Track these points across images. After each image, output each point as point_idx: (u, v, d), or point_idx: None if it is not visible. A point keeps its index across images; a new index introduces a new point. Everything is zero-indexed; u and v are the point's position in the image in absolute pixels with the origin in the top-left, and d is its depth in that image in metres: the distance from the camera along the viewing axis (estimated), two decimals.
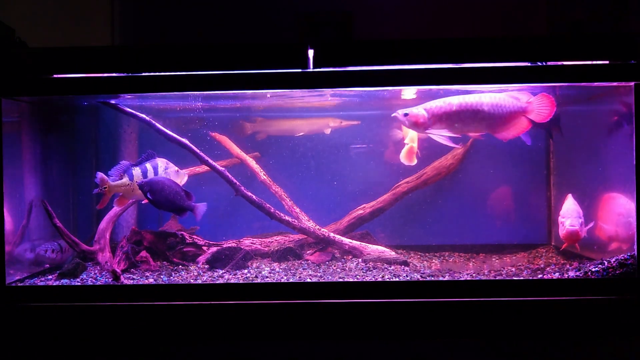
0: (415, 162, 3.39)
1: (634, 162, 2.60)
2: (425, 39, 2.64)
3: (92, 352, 2.60)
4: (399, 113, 3.02)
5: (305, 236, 3.41)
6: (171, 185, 2.99)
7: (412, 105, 3.08)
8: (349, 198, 3.62)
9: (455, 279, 2.79)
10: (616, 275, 2.64)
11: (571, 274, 2.73)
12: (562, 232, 3.00)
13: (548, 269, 2.93)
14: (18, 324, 2.60)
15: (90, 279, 2.90)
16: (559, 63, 2.62)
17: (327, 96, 3.20)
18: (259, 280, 2.84)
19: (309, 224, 3.35)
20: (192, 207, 3.04)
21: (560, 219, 3.04)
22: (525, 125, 2.93)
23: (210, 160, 3.21)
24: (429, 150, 3.60)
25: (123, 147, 3.60)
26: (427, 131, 2.96)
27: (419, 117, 2.94)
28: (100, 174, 2.96)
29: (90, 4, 3.81)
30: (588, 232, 3.00)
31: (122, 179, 3.00)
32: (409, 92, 3.14)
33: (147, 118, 3.10)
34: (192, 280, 2.87)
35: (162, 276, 2.95)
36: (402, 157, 3.37)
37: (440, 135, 2.97)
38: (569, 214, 3.00)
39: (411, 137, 3.37)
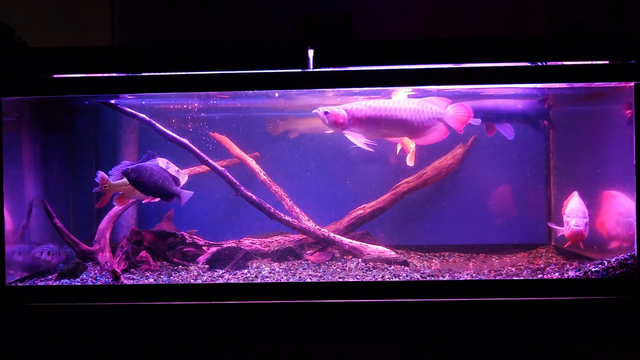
0: (412, 163, 3.40)
1: (634, 162, 2.60)
2: (425, 39, 2.64)
3: (92, 352, 2.60)
4: (320, 110, 3.03)
5: (305, 236, 3.41)
6: (160, 170, 2.98)
7: None
8: (349, 198, 3.62)
9: (455, 279, 2.79)
10: (616, 275, 2.64)
11: (571, 274, 2.73)
12: (566, 231, 2.98)
13: (548, 269, 2.93)
14: (18, 324, 2.60)
15: (90, 279, 2.90)
16: (559, 63, 2.62)
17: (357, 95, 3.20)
18: (259, 280, 2.84)
19: (309, 224, 3.35)
20: (179, 192, 3.03)
21: (565, 218, 3.01)
22: (443, 132, 2.98)
23: (210, 160, 3.21)
24: (429, 150, 3.60)
25: (123, 147, 3.60)
26: (345, 132, 2.96)
27: (339, 116, 2.96)
28: (100, 173, 2.96)
29: (90, 4, 3.80)
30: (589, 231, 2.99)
31: (122, 178, 3.00)
32: (401, 92, 3.15)
33: (147, 118, 3.10)
34: (192, 280, 2.87)
35: (162, 276, 2.95)
36: (408, 159, 3.38)
37: (358, 139, 2.98)
38: (575, 214, 2.98)
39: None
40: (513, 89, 3.04)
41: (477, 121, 3.08)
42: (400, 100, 2.92)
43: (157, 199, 3.08)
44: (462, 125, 2.97)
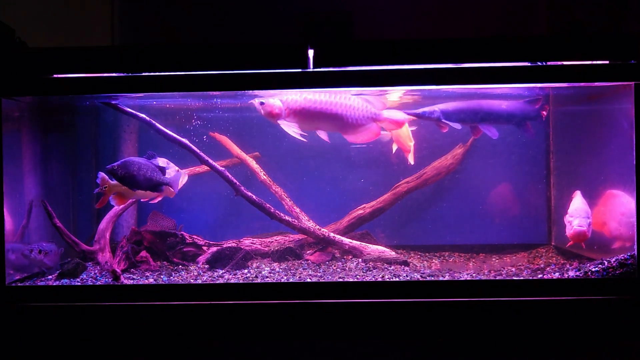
0: (413, 161, 3.40)
1: (634, 162, 2.60)
2: (425, 39, 2.64)
3: (92, 352, 2.60)
4: (256, 101, 3.05)
5: (305, 236, 3.41)
6: (144, 162, 2.97)
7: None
8: (349, 198, 3.62)
9: (455, 279, 2.79)
10: (616, 275, 2.64)
11: (571, 274, 2.73)
12: (569, 231, 2.96)
13: (548, 269, 2.93)
14: (18, 324, 2.60)
15: (90, 279, 2.90)
16: (559, 63, 2.62)
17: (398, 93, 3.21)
18: (259, 280, 2.84)
19: (309, 224, 3.35)
20: (167, 181, 3.03)
21: (567, 218, 3.00)
22: (376, 133, 3.00)
23: (210, 160, 3.21)
24: (429, 150, 3.60)
25: (123, 147, 3.60)
26: (280, 122, 2.99)
27: (274, 107, 2.98)
28: (101, 174, 2.96)
29: (90, 4, 3.80)
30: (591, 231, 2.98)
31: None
32: (395, 93, 3.15)
33: (147, 118, 3.10)
34: (192, 280, 2.87)
35: (162, 276, 2.95)
36: (410, 157, 3.40)
37: (292, 129, 3.00)
38: (577, 213, 2.96)
39: (408, 136, 3.37)
40: (500, 89, 3.04)
41: (457, 125, 3.09)
42: (338, 96, 2.94)
43: (158, 199, 3.07)
44: (395, 128, 3.03)
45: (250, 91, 2.85)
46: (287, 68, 2.63)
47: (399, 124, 3.03)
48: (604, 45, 2.59)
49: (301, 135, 3.05)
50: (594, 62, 2.61)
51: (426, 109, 3.10)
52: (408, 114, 3.13)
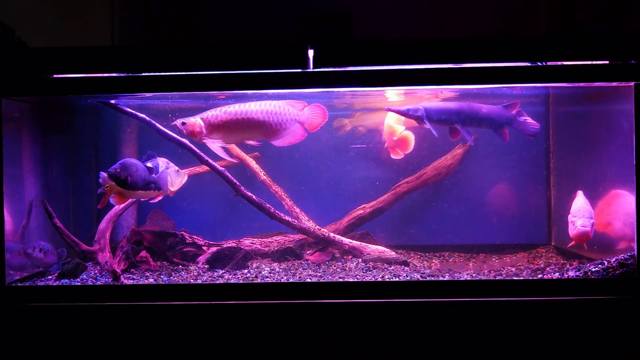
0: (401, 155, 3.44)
1: (634, 162, 2.60)
2: (425, 39, 2.64)
3: (92, 352, 2.60)
4: (178, 122, 3.01)
5: (305, 236, 3.41)
6: (138, 162, 2.97)
7: None
8: (349, 198, 3.62)
9: (455, 279, 2.79)
10: (616, 275, 2.64)
11: (571, 274, 2.73)
12: (572, 231, 2.94)
13: (548, 269, 2.93)
14: (18, 324, 2.60)
15: (90, 279, 2.90)
16: (559, 63, 2.62)
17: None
18: (259, 280, 2.84)
19: (309, 224, 3.35)
20: (155, 179, 3.02)
21: (570, 218, 2.98)
22: (301, 134, 2.99)
23: (210, 160, 3.21)
24: (429, 150, 3.60)
25: (123, 147, 3.60)
26: (204, 141, 2.97)
27: (195, 126, 2.95)
28: (103, 174, 2.95)
29: (90, 4, 3.80)
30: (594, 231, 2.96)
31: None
32: (391, 93, 3.15)
33: (147, 118, 3.10)
34: (192, 280, 2.87)
35: (162, 276, 2.95)
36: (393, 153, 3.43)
37: (216, 145, 3.00)
38: (580, 214, 2.94)
39: (392, 132, 3.40)
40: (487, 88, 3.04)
41: (435, 133, 3.08)
42: (257, 103, 2.93)
43: (158, 199, 3.07)
44: (317, 126, 3.01)
45: (251, 91, 2.84)
46: (287, 68, 2.63)
47: (319, 123, 3.01)
48: (604, 45, 2.59)
49: (223, 149, 3.04)
50: (594, 62, 2.61)
51: (410, 106, 3.08)
52: (392, 110, 3.11)
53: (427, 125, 3.08)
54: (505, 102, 3.14)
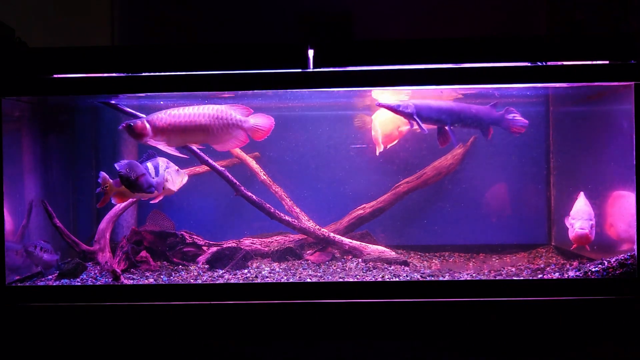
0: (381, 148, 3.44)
1: (634, 162, 2.60)
2: (425, 39, 2.64)
3: (92, 352, 2.60)
4: (124, 124, 2.97)
5: (305, 236, 3.41)
6: (139, 164, 2.96)
7: None
8: (349, 198, 3.62)
9: (455, 279, 2.79)
10: (616, 275, 2.64)
11: (571, 274, 2.73)
12: (571, 234, 2.93)
13: (548, 269, 2.93)
14: (18, 324, 2.60)
15: (90, 279, 2.90)
16: (559, 63, 2.62)
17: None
18: (259, 280, 2.84)
19: (309, 224, 3.35)
20: (160, 180, 3.01)
21: (570, 220, 2.97)
22: (243, 139, 2.98)
23: (210, 160, 3.21)
24: (429, 150, 3.60)
25: (123, 147, 3.60)
26: (150, 142, 2.95)
27: (138, 127, 2.92)
28: (103, 174, 2.96)
29: (90, 4, 3.80)
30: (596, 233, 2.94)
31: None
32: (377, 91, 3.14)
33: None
34: (192, 280, 2.87)
35: (162, 276, 2.95)
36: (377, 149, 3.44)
37: (164, 147, 2.97)
38: (580, 216, 2.93)
39: (376, 128, 3.42)
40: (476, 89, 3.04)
41: (424, 130, 3.06)
42: (202, 107, 2.93)
43: (158, 199, 3.07)
44: (262, 136, 3.00)
45: (251, 91, 2.84)
46: (287, 68, 2.63)
47: (264, 132, 3.00)
48: (604, 45, 2.59)
49: (176, 149, 3.01)
50: (594, 62, 2.61)
51: (401, 102, 3.07)
52: (382, 106, 3.09)
53: (416, 123, 3.06)
54: (499, 101, 3.14)
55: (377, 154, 3.45)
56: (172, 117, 2.91)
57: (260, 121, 2.98)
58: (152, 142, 2.95)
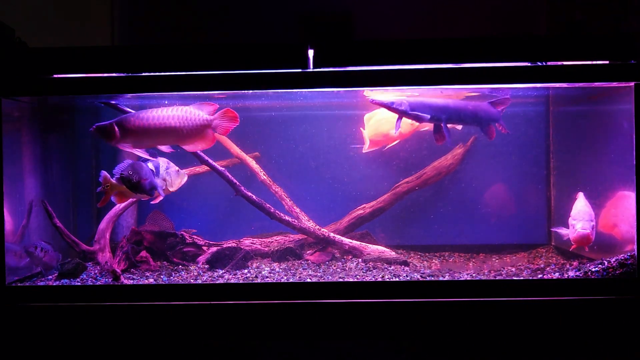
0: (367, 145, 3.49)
1: (634, 162, 2.60)
2: (425, 39, 2.64)
3: (92, 352, 2.60)
4: (94, 127, 2.95)
5: (305, 236, 3.41)
6: (143, 163, 2.96)
7: None
8: (349, 198, 3.62)
9: (455, 279, 2.79)
10: (616, 275, 2.64)
11: (571, 274, 2.73)
12: (572, 235, 2.91)
13: (548, 269, 2.93)
14: (18, 324, 2.60)
15: (90, 279, 2.90)
16: (559, 63, 2.62)
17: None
18: (259, 280, 2.84)
19: (309, 224, 3.35)
20: (162, 180, 3.01)
21: (570, 221, 2.95)
22: (211, 139, 2.96)
23: (210, 160, 3.21)
24: (429, 150, 3.60)
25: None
26: (119, 145, 2.94)
27: (108, 130, 2.89)
28: (104, 173, 2.96)
29: (90, 4, 3.81)
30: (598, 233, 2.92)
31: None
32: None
33: None
34: (192, 280, 2.87)
35: (162, 276, 2.95)
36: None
37: (133, 150, 2.96)
38: (580, 217, 2.91)
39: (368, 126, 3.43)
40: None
41: (425, 117, 3.04)
42: (169, 109, 2.92)
43: (158, 199, 3.07)
44: (227, 131, 2.98)
45: (251, 91, 2.84)
46: (287, 68, 2.63)
47: (230, 127, 2.96)
48: (604, 45, 2.59)
49: (145, 151, 3.00)
50: (594, 62, 2.61)
51: (395, 99, 3.05)
52: (375, 102, 3.06)
53: (411, 118, 3.05)
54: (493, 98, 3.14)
55: (363, 151, 3.48)
56: (141, 120, 2.91)
57: (226, 116, 2.97)
58: (121, 145, 2.95)
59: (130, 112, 3.07)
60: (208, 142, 2.96)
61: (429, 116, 3.05)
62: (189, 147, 2.98)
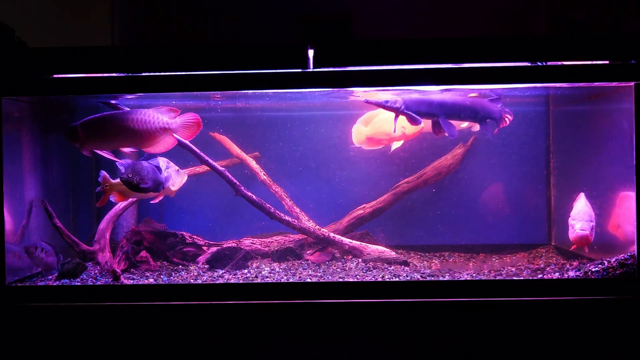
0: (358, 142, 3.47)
1: (634, 162, 2.60)
2: (425, 39, 2.64)
3: (92, 352, 2.60)
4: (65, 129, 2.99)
5: (305, 236, 3.41)
6: (144, 163, 2.96)
7: None
8: (349, 198, 3.62)
9: (455, 279, 2.79)
10: (616, 275, 2.64)
11: (571, 274, 2.73)
12: (571, 235, 2.91)
13: (548, 269, 2.93)
14: (18, 324, 2.60)
15: (90, 279, 2.90)
16: (559, 63, 2.62)
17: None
18: (259, 280, 2.84)
19: (309, 224, 3.35)
20: (162, 180, 3.01)
21: (570, 221, 2.95)
22: (171, 142, 2.98)
23: (210, 160, 3.21)
24: (429, 150, 3.60)
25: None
26: (83, 148, 2.96)
27: (73, 132, 2.91)
28: (103, 172, 2.96)
29: (90, 4, 3.81)
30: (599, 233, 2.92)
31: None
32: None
33: None
34: (192, 280, 2.87)
35: (162, 276, 2.95)
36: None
37: (102, 153, 3.00)
38: (580, 217, 2.91)
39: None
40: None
41: (419, 120, 3.04)
42: (130, 112, 2.93)
43: (158, 198, 3.07)
44: (191, 135, 2.99)
45: (251, 91, 2.84)
46: (287, 68, 2.63)
47: (193, 132, 2.99)
48: (604, 45, 2.59)
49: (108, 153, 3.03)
50: (594, 62, 2.61)
51: (389, 98, 3.03)
52: (370, 102, 3.04)
53: (406, 116, 3.04)
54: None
55: (351, 146, 3.48)
56: (100, 122, 2.92)
57: (188, 121, 2.98)
58: (85, 147, 2.95)
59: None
60: (168, 145, 2.98)
61: (421, 119, 3.04)
62: (149, 150, 3.00)
